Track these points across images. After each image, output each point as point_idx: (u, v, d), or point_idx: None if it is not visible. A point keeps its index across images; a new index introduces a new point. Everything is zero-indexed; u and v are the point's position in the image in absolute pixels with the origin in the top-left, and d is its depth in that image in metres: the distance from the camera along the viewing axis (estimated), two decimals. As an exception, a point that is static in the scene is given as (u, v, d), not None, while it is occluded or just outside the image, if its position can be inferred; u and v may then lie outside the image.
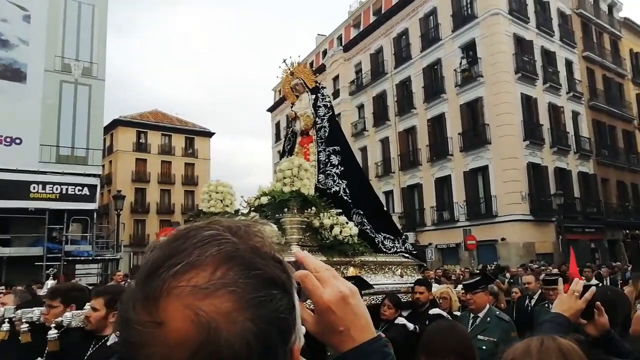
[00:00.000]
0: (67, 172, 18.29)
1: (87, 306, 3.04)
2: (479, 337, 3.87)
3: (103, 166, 24.59)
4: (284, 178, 5.16)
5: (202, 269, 0.52)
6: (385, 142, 28.94)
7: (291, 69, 6.92)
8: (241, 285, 0.52)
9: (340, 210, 5.66)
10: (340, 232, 5.24)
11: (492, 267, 14.92)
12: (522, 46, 24.00)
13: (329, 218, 5.29)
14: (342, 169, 6.20)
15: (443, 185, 24.94)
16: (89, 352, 2.87)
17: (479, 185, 23.31)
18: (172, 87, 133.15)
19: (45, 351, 3.15)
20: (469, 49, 24.44)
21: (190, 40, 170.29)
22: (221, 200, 5.97)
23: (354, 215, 5.95)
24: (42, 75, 18.91)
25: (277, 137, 38.23)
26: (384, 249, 6.05)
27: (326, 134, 6.41)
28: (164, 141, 40.86)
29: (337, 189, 6.05)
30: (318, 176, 6.16)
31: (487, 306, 4.21)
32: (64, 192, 17.87)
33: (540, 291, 6.20)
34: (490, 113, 22.57)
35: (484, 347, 3.72)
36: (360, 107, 31.56)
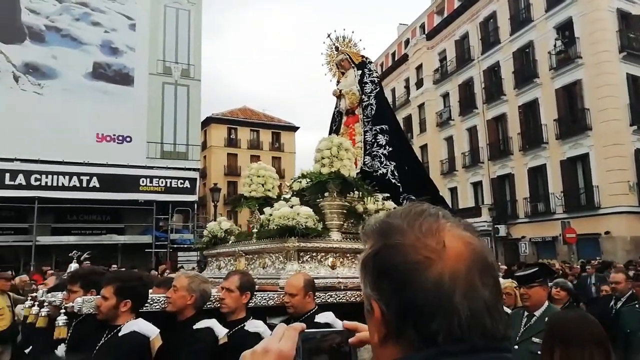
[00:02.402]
0: (171, 167, 19.92)
1: None
2: (534, 339, 3.24)
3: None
4: (322, 158, 4.74)
5: (446, 217, 0.77)
6: (472, 131, 27.98)
7: (336, 44, 6.45)
8: (467, 224, 0.78)
9: (388, 195, 5.21)
10: None
11: (597, 263, 13.99)
12: (627, 22, 21.97)
13: (374, 203, 4.87)
14: (390, 149, 5.67)
15: (537, 175, 23.63)
16: (101, 342, 2.69)
17: (579, 175, 21.80)
18: (258, 83, 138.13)
19: (67, 337, 3.03)
20: (565, 29, 22.83)
21: (272, 37, 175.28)
22: (262, 185, 5.64)
23: (404, 201, 5.31)
24: (146, 78, 20.70)
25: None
26: None
27: (373, 112, 5.92)
28: (252, 136, 42.73)
29: (385, 171, 5.56)
30: (364, 158, 5.72)
31: (546, 303, 3.61)
32: (168, 185, 19.50)
33: (631, 292, 5.46)
34: (591, 97, 20.98)
35: (539, 352, 3.09)
36: (445, 96, 30.75)
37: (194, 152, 21.15)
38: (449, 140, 29.86)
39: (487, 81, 27.03)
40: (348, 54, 6.31)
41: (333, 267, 4.38)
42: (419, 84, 32.91)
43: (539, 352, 2.98)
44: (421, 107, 32.64)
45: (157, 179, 19.47)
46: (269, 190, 5.61)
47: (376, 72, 6.43)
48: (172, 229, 19.75)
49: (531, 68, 24.11)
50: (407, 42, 35.31)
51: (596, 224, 20.04)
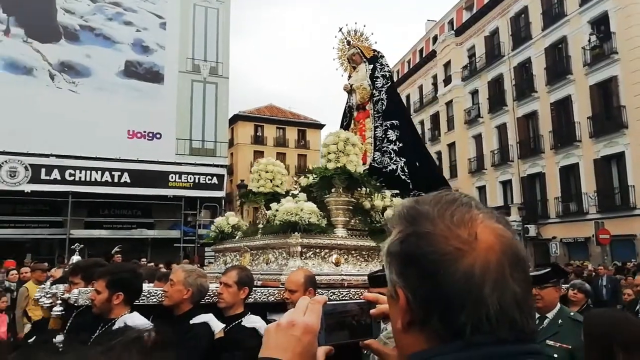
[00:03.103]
0: (199, 163, 20.23)
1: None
2: (548, 342, 3.20)
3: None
4: (329, 154, 4.68)
5: (479, 207, 0.76)
6: (502, 128, 27.45)
7: (348, 38, 6.36)
8: (500, 216, 0.76)
9: (397, 192, 5.10)
10: None
11: (632, 265, 13.57)
12: (667, 16, 21.15)
13: (382, 199, 4.80)
14: (401, 145, 5.59)
15: (569, 174, 23.03)
16: (94, 336, 2.63)
17: (613, 174, 21.15)
18: (284, 81, 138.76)
19: (63, 328, 3.05)
20: (600, 24, 22.14)
21: (297, 35, 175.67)
22: (271, 180, 5.62)
23: None
24: (176, 76, 21.07)
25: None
26: None
27: (384, 107, 5.82)
28: (278, 134, 43.01)
29: (394, 167, 5.47)
30: (374, 154, 5.64)
31: (559, 305, 3.49)
32: (196, 181, 19.83)
33: None
34: (627, 93, 20.29)
35: (555, 356, 3.09)
36: (474, 93, 30.24)
37: (222, 149, 21.43)
38: (478, 138, 29.38)
39: (517, 78, 26.47)
40: (359, 48, 6.20)
41: (337, 264, 4.32)
42: (447, 80, 32.46)
43: (555, 356, 3.05)
44: (449, 104, 32.19)
45: (186, 175, 19.84)
46: (277, 186, 5.60)
47: (388, 66, 6.25)
48: (200, 225, 20.05)
49: (564, 64, 23.48)
50: (435, 39, 34.86)
51: (631, 224, 19.40)
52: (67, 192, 18.41)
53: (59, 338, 2.92)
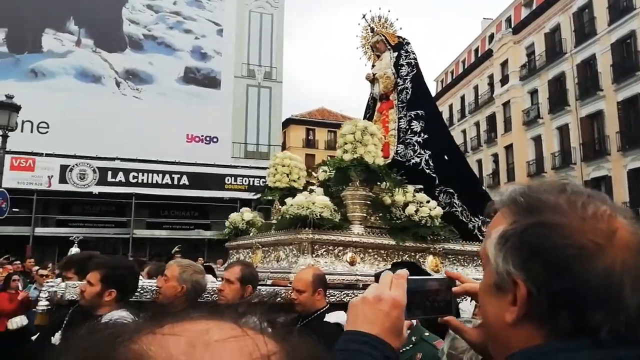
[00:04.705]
0: (253, 167, 20.70)
1: None
2: None
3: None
4: (345, 144, 4.33)
5: (608, 200, 0.71)
6: (564, 129, 26.19)
7: (372, 25, 5.98)
8: (627, 211, 0.71)
9: (421, 187, 4.77)
10: (416, 211, 4.32)
11: None
12: None
13: (404, 195, 4.46)
14: (426, 137, 5.19)
15: (639, 177, 21.64)
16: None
17: (689, 177, 19.69)
18: (336, 85, 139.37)
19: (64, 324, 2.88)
20: (675, 16, 20.72)
21: (348, 37, 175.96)
22: (287, 174, 5.42)
23: (441, 195, 4.96)
24: (232, 81, 21.70)
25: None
26: (480, 236, 4.79)
27: (408, 97, 5.43)
28: (329, 137, 43.16)
29: (418, 160, 5.09)
30: (397, 146, 5.29)
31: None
32: (251, 183, 20.28)
33: None
34: None
35: None
36: (533, 93, 29.05)
37: (275, 152, 21.79)
38: (537, 140, 28.19)
39: (580, 76, 25.19)
40: (384, 35, 5.86)
41: (352, 263, 4.04)
42: (504, 80, 31.40)
43: None
44: (506, 105, 31.12)
45: (241, 178, 20.36)
46: (294, 181, 5.42)
47: (414, 53, 5.79)
48: (254, 226, 20.48)
49: (632, 60, 22.13)
50: (491, 37, 33.84)
51: None
52: (130, 194, 19.36)
53: (57, 336, 2.72)
